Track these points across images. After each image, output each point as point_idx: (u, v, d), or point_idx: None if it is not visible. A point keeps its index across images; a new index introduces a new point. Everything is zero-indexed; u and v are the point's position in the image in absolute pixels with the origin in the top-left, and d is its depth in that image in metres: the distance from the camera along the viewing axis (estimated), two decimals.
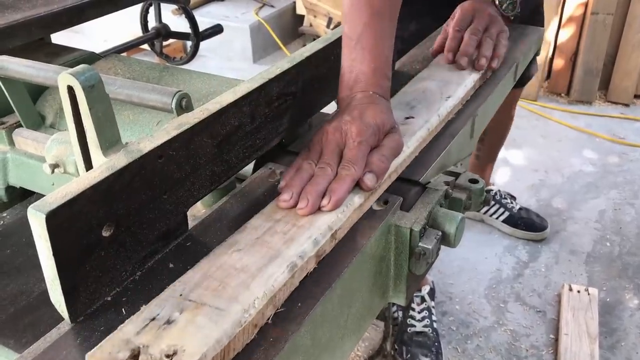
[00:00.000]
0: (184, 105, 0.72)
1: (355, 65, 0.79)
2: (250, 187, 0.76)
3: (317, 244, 0.62)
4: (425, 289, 1.74)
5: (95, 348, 0.49)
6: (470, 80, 0.99)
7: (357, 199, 0.69)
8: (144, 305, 0.53)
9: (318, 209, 0.67)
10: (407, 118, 0.87)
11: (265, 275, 0.56)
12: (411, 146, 0.80)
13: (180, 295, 0.54)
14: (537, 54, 1.64)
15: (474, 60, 1.02)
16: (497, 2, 1.12)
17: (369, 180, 0.70)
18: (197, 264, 0.59)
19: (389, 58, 0.81)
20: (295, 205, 0.67)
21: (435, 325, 1.69)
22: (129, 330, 0.50)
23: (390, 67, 0.82)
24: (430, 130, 0.86)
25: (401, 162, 0.77)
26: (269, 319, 0.55)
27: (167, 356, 0.47)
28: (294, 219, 0.66)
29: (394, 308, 1.72)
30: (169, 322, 0.51)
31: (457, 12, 1.08)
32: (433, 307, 1.73)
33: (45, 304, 0.56)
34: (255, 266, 0.58)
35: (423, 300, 1.72)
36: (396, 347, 1.65)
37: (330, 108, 0.95)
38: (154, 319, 0.51)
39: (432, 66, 1.05)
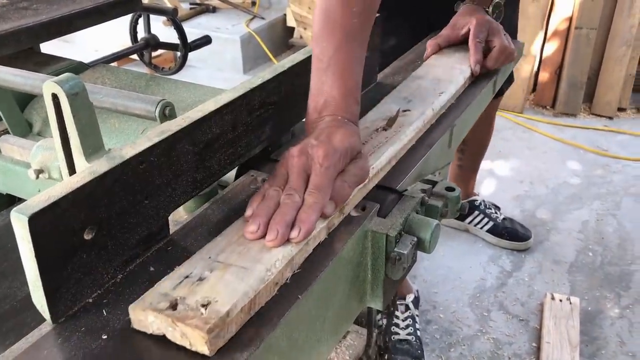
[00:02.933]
0: (167, 113, 0.74)
1: (324, 89, 0.77)
2: (232, 194, 0.78)
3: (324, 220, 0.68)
4: (410, 297, 1.76)
5: (136, 301, 0.55)
6: (461, 78, 1.08)
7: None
8: (177, 266, 0.60)
9: (287, 240, 0.64)
10: (405, 110, 0.94)
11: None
12: (409, 134, 0.88)
13: (209, 257, 0.61)
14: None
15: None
16: (490, 12, 1.22)
17: (326, 208, 0.67)
18: (220, 233, 0.66)
19: (359, 82, 0.80)
20: (263, 236, 0.63)
21: (418, 333, 1.71)
22: (166, 285, 0.57)
23: (360, 91, 0.80)
24: (426, 122, 0.94)
25: (397, 152, 0.85)
26: (287, 279, 0.62)
27: (203, 305, 0.54)
28: None
29: (379, 316, 1.73)
30: (200, 279, 0.58)
31: (473, 24, 1.16)
32: (417, 315, 1.75)
33: (29, 308, 0.58)
34: None
35: (407, 308, 1.74)
36: (380, 355, 1.66)
37: None
38: (187, 276, 0.58)
39: (425, 66, 1.14)
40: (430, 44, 1.19)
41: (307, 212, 0.65)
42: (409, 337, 1.68)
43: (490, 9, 1.22)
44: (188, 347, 0.52)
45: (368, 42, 0.84)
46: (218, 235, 0.65)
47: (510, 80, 1.69)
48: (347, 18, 0.79)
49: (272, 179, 0.70)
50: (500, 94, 1.73)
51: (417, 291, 1.83)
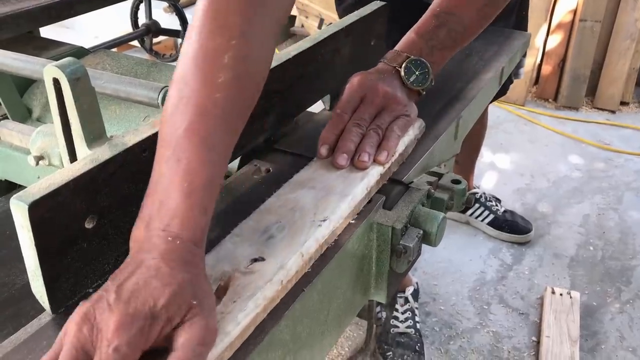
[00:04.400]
0: None
1: (162, 184, 0.54)
2: (235, 184, 0.77)
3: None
4: (409, 290, 1.76)
5: None
6: (361, 188, 0.71)
7: None
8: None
9: None
10: (255, 260, 0.58)
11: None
12: (243, 321, 0.52)
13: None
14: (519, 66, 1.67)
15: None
16: (402, 73, 0.84)
17: None
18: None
19: (213, 182, 0.56)
20: None
21: (418, 326, 1.70)
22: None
23: (214, 196, 0.56)
24: (285, 283, 0.58)
25: (219, 354, 0.50)
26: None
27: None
28: None
29: (378, 308, 1.73)
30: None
31: (345, 89, 0.82)
32: (416, 308, 1.75)
33: (28, 296, 0.57)
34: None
35: (407, 301, 1.73)
36: (379, 347, 1.66)
37: (316, 107, 0.96)
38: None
39: (316, 163, 0.76)
40: (333, 118, 0.80)
41: None
42: (409, 330, 1.67)
43: (402, 69, 0.85)
44: None
45: (243, 127, 0.62)
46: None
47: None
48: (207, 90, 0.57)
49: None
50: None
51: (417, 283, 1.82)
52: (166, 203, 0.53)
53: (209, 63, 0.58)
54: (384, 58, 0.87)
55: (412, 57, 0.86)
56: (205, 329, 0.48)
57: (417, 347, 1.64)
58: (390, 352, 1.62)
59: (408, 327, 1.68)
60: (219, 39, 0.58)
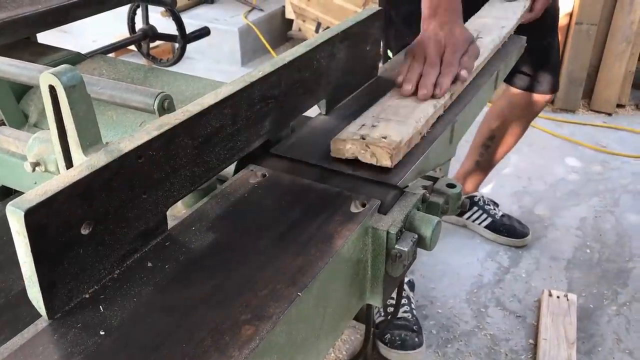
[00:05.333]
0: (166, 106, 0.73)
1: None
2: (231, 189, 0.77)
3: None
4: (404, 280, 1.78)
5: (335, 136, 0.83)
6: (519, 11, 1.34)
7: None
8: (353, 120, 0.89)
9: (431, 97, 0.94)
10: (477, 37, 1.16)
11: (420, 108, 0.93)
12: (484, 53, 1.11)
13: (373, 116, 0.90)
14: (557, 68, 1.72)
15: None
16: None
17: (464, 73, 1.01)
18: (373, 106, 0.94)
19: None
20: (414, 93, 0.96)
21: (414, 312, 1.72)
22: (351, 129, 0.86)
23: None
24: (496, 44, 1.18)
25: (480, 63, 1.09)
26: (423, 134, 0.90)
27: (382, 137, 0.82)
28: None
29: (376, 311, 1.73)
30: (373, 125, 0.86)
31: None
32: (412, 296, 1.76)
33: (25, 302, 0.57)
34: (412, 105, 0.94)
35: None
36: (379, 341, 1.67)
37: (313, 111, 0.96)
38: (363, 125, 0.87)
39: (486, 7, 1.37)
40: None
41: (445, 78, 0.98)
42: (405, 315, 1.69)
43: None
44: (375, 163, 0.80)
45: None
46: (372, 106, 0.94)
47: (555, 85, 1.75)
48: None
49: (411, 59, 1.02)
50: (549, 91, 1.78)
51: (412, 279, 1.84)
52: (442, 2, 1.05)
53: None
54: None
55: None
56: (478, 48, 1.09)
57: (414, 327, 1.66)
58: (388, 334, 1.64)
59: (405, 311, 1.70)
60: None
